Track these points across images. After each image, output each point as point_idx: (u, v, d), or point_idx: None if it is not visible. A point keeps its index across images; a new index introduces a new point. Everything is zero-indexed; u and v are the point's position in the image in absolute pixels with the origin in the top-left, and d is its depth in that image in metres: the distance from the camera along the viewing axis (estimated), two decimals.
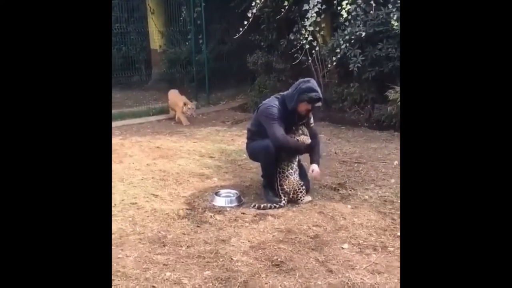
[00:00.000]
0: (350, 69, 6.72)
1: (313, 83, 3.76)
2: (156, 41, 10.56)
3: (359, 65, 6.63)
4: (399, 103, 6.07)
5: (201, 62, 9.21)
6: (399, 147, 5.46)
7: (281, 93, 3.94)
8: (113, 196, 3.75)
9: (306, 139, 3.87)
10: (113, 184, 3.91)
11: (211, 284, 2.62)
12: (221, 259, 2.90)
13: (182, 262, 2.88)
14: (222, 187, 4.18)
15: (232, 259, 2.91)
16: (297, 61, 7.09)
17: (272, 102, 3.83)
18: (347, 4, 6.16)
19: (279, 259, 2.88)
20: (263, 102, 3.96)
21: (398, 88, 6.35)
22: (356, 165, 4.87)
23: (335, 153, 5.34)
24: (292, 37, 7.54)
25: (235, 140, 5.94)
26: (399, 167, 4.71)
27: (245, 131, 6.40)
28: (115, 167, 4.58)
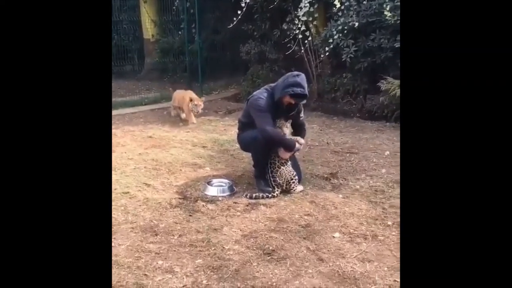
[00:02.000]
0: (343, 59, 6.73)
1: (301, 78, 3.73)
2: (148, 30, 10.49)
3: (352, 55, 6.64)
4: (392, 93, 6.12)
5: (194, 52, 9.17)
6: (390, 138, 5.53)
7: (271, 85, 3.94)
8: None
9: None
10: None
11: (202, 272, 2.64)
12: (213, 248, 2.92)
13: (174, 250, 2.89)
14: (215, 176, 4.19)
15: (224, 247, 2.93)
16: (290, 51, 7.08)
17: (262, 94, 3.83)
18: None
19: (270, 248, 2.90)
20: (253, 93, 3.96)
21: (390, 79, 6.38)
22: (348, 155, 4.90)
23: (327, 143, 5.36)
24: (285, 27, 7.53)
25: (228, 130, 5.94)
26: (390, 157, 4.77)
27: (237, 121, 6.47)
28: None
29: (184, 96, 6.49)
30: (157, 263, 2.74)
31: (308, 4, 6.34)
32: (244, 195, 3.75)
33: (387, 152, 4.92)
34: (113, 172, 4.24)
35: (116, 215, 3.39)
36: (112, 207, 3.52)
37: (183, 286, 2.52)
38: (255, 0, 7.29)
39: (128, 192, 3.80)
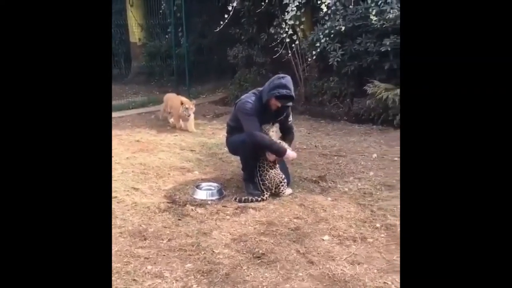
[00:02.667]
0: (329, 63, 6.77)
1: (287, 80, 3.74)
2: (135, 34, 10.46)
3: (339, 59, 6.69)
4: (379, 97, 6.18)
5: (181, 56, 9.15)
6: (377, 140, 5.57)
7: (259, 89, 3.94)
8: None
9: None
10: None
11: (192, 276, 2.63)
12: (202, 252, 2.90)
13: (164, 255, 2.87)
14: (203, 180, 4.18)
15: (213, 251, 2.92)
16: (277, 55, 7.10)
17: (249, 98, 3.83)
18: None
19: (260, 251, 2.90)
20: (241, 97, 3.96)
21: (376, 82, 6.44)
22: (335, 158, 4.92)
23: (315, 146, 5.39)
24: (273, 31, 7.55)
25: (216, 134, 5.93)
26: (377, 160, 4.80)
27: (225, 125, 6.46)
28: None
29: (175, 100, 6.35)
30: (146, 268, 2.72)
31: (295, 8, 6.38)
32: (233, 199, 3.75)
33: (375, 155, 4.95)
34: None
35: None
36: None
37: None
38: (242, 4, 7.29)
39: (116, 197, 3.77)
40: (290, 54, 7.05)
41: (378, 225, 3.26)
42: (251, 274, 2.65)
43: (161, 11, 9.61)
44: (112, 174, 4.29)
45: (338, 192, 3.92)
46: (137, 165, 4.63)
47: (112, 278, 2.59)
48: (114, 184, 4.04)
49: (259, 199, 3.70)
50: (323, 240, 3.08)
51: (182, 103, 6.04)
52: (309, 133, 6.04)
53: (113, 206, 3.59)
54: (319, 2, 6.33)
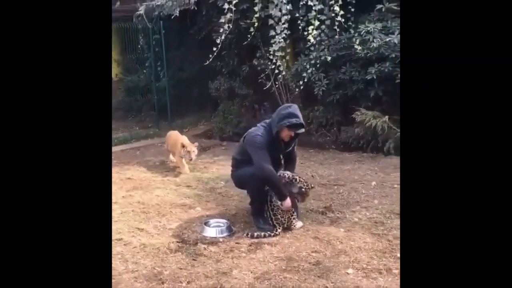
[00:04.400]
0: (315, 92, 6.81)
1: (294, 108, 3.74)
2: (112, 69, 10.32)
3: (324, 88, 6.74)
4: (368, 124, 6.24)
5: (161, 90, 9.06)
6: (372, 168, 5.58)
7: (266, 121, 3.89)
8: None
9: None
10: None
11: None
12: None
13: None
14: (208, 216, 4.05)
15: None
16: (267, 86, 7.12)
17: (258, 131, 3.78)
18: (313, 29, 6.27)
19: None
20: (249, 130, 3.89)
21: (363, 110, 6.50)
22: (336, 187, 4.89)
23: (312, 176, 5.34)
24: (256, 63, 7.58)
25: (208, 168, 5.82)
26: (377, 187, 4.80)
27: (216, 158, 6.41)
28: None
29: (176, 140, 5.80)
30: None
31: (282, 40, 6.42)
32: (245, 235, 3.63)
33: (374, 183, 4.95)
34: None
35: (115, 264, 3.19)
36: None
37: None
38: (225, 37, 7.28)
39: (121, 239, 3.61)
40: (277, 85, 7.07)
41: (399, 255, 3.21)
42: None
43: (139, 46, 9.51)
44: (112, 214, 4.12)
45: (348, 223, 3.86)
46: (135, 203, 4.46)
47: None
48: (116, 225, 3.88)
49: (272, 234, 3.60)
50: (347, 273, 3.01)
51: (183, 146, 5.51)
52: (302, 163, 5.98)
53: (120, 249, 3.44)
54: (305, 33, 6.39)
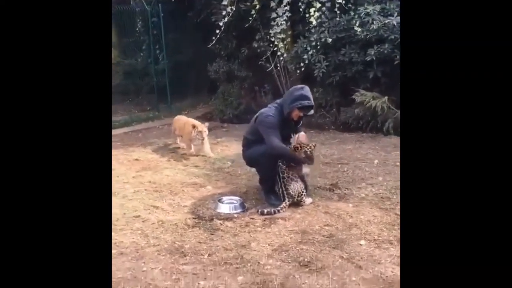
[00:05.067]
0: (315, 74, 6.93)
1: (306, 90, 3.86)
2: None
3: (324, 70, 6.86)
4: (368, 105, 6.38)
5: (160, 72, 9.10)
6: (373, 147, 5.74)
7: (277, 101, 4.01)
8: (112, 210, 3.66)
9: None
10: None
11: None
12: (248, 264, 2.92)
13: (211, 270, 2.87)
14: (221, 194, 4.18)
15: (259, 263, 2.93)
16: (269, 69, 7.20)
17: (270, 111, 3.89)
18: (314, 11, 6.35)
19: (305, 260, 2.94)
20: (261, 111, 4.01)
21: (362, 91, 6.64)
22: (339, 166, 5.04)
23: (316, 155, 5.47)
24: (256, 45, 7.65)
25: (213, 149, 5.92)
26: (380, 165, 4.95)
27: (219, 140, 6.52)
28: None
29: (185, 123, 5.81)
30: (199, 283, 2.71)
31: (284, 22, 6.50)
32: (257, 211, 3.77)
33: (376, 161, 5.11)
34: (114, 196, 4.14)
35: (136, 239, 3.31)
36: (128, 231, 3.46)
37: None
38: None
39: (139, 216, 3.72)
40: (279, 67, 7.16)
41: None
42: (306, 282, 2.69)
43: (137, 29, 9.52)
44: (125, 193, 4.27)
45: (356, 198, 4.02)
46: (146, 183, 4.57)
47: None
48: (132, 203, 4.00)
49: (281, 209, 3.73)
50: (361, 245, 3.16)
51: (194, 127, 5.52)
52: None
53: (139, 225, 3.56)
54: (307, 15, 6.48)
